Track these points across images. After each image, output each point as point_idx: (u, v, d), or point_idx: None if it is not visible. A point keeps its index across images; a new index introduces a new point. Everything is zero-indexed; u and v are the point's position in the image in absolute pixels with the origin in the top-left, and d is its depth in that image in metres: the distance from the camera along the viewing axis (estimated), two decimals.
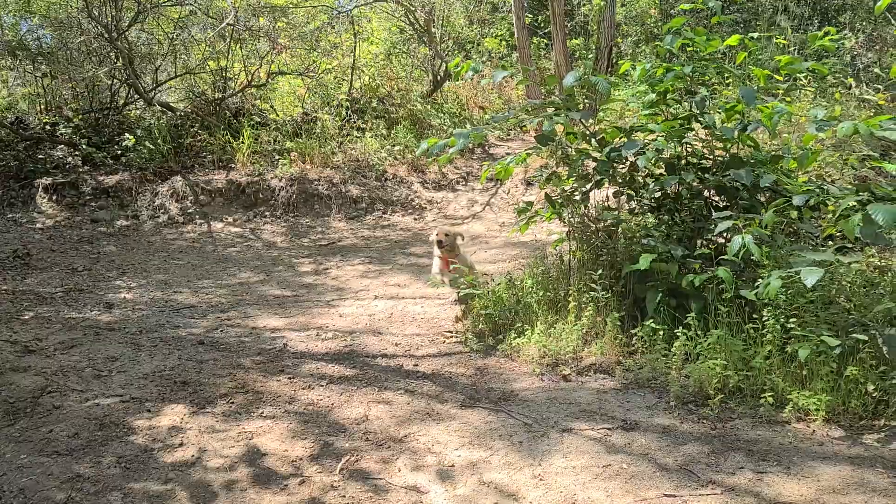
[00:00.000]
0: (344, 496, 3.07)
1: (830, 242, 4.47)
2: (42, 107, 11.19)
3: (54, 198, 9.91)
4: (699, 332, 4.18)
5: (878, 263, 4.56)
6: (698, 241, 4.81)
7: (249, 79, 11.67)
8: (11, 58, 10.98)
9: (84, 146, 10.63)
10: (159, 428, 3.71)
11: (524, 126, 12.64)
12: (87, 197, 10.02)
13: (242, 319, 5.88)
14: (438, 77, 13.28)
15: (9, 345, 4.77)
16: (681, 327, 4.24)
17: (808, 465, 3.20)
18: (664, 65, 5.01)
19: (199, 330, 5.55)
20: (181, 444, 3.52)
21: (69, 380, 4.28)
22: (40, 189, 9.93)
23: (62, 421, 3.69)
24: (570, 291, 4.93)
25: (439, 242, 5.88)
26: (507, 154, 7.90)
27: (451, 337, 5.32)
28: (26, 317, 5.67)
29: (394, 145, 11.35)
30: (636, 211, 5.33)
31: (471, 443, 3.58)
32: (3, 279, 7.02)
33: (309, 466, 3.34)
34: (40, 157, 10.46)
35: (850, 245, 4.34)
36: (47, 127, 10.69)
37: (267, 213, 10.05)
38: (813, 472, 3.12)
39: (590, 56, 14.62)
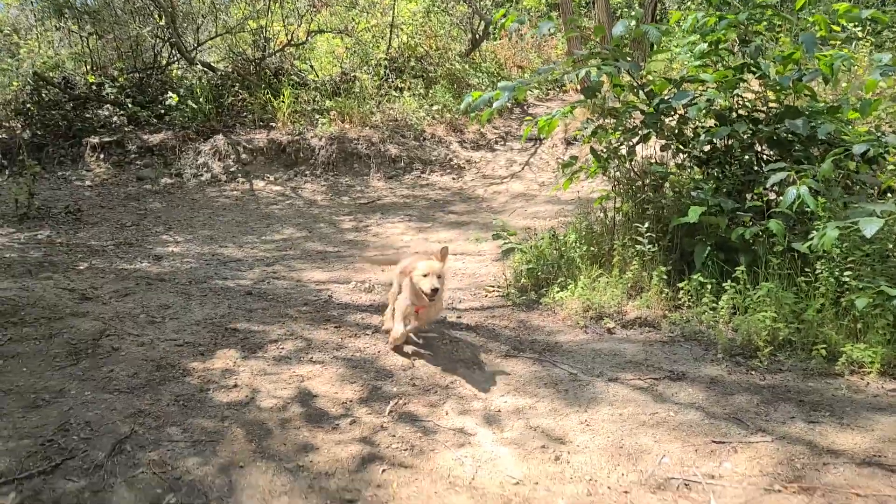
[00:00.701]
0: (394, 436, 3.14)
1: (889, 195, 4.32)
2: (88, 67, 11.37)
3: (101, 156, 10.14)
4: (748, 286, 4.11)
5: None
6: (748, 195, 4.70)
7: (289, 38, 11.66)
8: (57, 18, 11.14)
9: (129, 105, 10.80)
10: (213, 370, 3.82)
11: (564, 85, 12.41)
12: (133, 155, 10.23)
13: (287, 272, 5.99)
14: (477, 36, 13.09)
15: (67, 292, 4.95)
16: (729, 280, 4.17)
17: (862, 415, 3.15)
18: (717, 13, 4.84)
19: (246, 282, 5.67)
20: (235, 386, 3.63)
21: (125, 325, 4.43)
22: (88, 147, 10.17)
23: (121, 362, 3.83)
24: (615, 246, 4.89)
25: (434, 291, 3.77)
26: (547, 113, 7.77)
27: (493, 291, 5.34)
28: (81, 267, 5.86)
29: (432, 105, 11.27)
30: (684, 164, 5.22)
31: (516, 390, 3.61)
32: (58, 233, 7.25)
33: (359, 408, 3.42)
34: (87, 116, 10.68)
35: None
36: (93, 87, 10.88)
37: (307, 172, 10.14)
38: (868, 423, 3.07)
39: (632, 13, 14.19)
